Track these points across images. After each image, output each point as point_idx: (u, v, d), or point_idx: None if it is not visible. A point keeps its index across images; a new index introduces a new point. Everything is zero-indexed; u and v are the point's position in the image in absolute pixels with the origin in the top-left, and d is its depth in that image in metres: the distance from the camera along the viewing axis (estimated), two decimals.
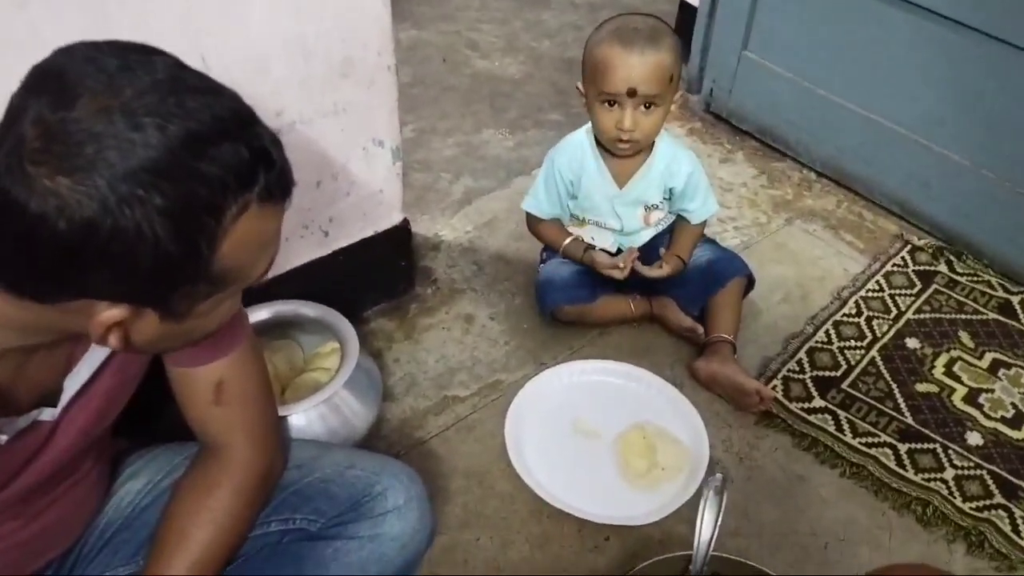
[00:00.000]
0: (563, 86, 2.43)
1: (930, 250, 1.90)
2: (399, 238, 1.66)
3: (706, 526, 1.21)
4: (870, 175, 2.02)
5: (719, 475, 1.23)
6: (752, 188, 2.09)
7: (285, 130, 1.36)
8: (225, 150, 0.68)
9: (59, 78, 0.67)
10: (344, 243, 1.58)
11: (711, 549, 1.19)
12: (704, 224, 1.69)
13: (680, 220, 1.69)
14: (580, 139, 1.62)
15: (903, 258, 1.89)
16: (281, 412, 1.33)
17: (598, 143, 1.59)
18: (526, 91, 2.41)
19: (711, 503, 1.22)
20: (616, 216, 1.64)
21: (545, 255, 1.74)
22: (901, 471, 1.48)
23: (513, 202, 2.02)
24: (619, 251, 1.69)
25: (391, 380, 1.59)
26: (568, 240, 1.65)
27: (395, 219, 1.64)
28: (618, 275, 1.59)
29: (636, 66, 1.45)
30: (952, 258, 1.88)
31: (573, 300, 1.65)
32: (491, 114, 2.31)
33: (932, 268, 1.86)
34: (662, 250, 1.69)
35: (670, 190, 1.62)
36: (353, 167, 1.49)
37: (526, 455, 1.47)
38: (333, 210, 1.52)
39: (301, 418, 1.34)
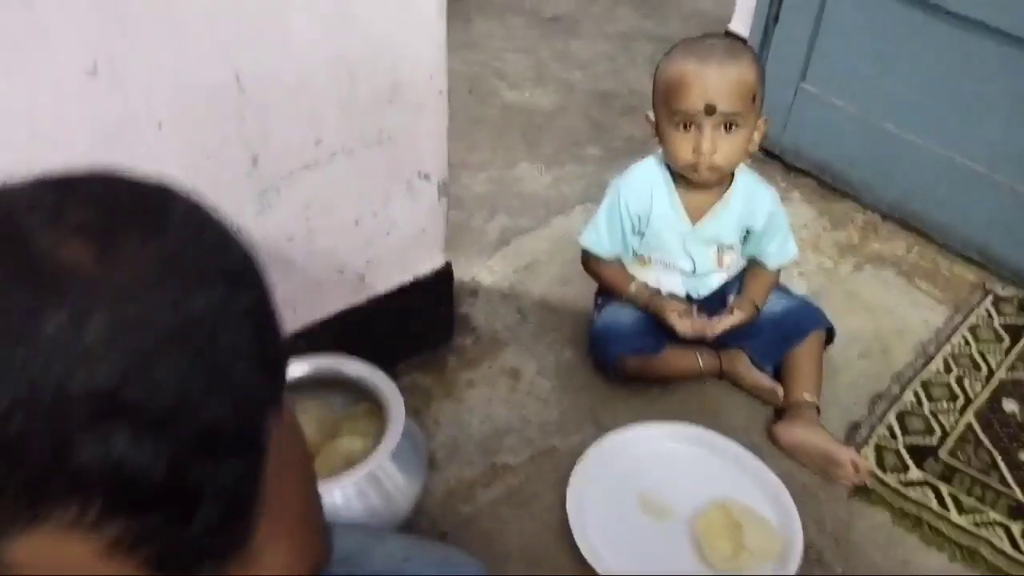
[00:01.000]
0: (599, 119, 2.27)
1: (1016, 301, 1.73)
2: (440, 283, 1.48)
3: None
4: (944, 218, 1.85)
5: (839, 572, 1.04)
6: (814, 231, 1.92)
7: (324, 161, 1.18)
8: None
9: None
10: (381, 289, 1.39)
11: None
12: (780, 271, 1.52)
13: (753, 264, 1.52)
14: (650, 167, 1.46)
15: (987, 310, 1.72)
16: None
17: (670, 171, 1.43)
18: (560, 124, 2.25)
19: None
20: (687, 256, 1.47)
21: (600, 300, 1.56)
22: (1018, 555, 1.29)
23: (555, 243, 1.84)
24: (688, 297, 1.52)
25: (432, 445, 1.40)
26: (633, 284, 1.47)
27: (437, 262, 1.46)
28: (687, 330, 1.42)
29: (714, 80, 1.30)
30: None
31: (638, 350, 1.47)
32: (524, 148, 2.14)
33: (1020, 322, 1.69)
34: (731, 297, 1.52)
35: (747, 230, 1.45)
36: (395, 203, 1.31)
37: (591, 535, 1.27)
38: (371, 252, 1.34)
39: (337, 495, 1.15)
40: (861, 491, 1.37)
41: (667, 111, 1.36)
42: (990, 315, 1.71)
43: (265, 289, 0.51)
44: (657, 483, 1.36)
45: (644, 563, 1.25)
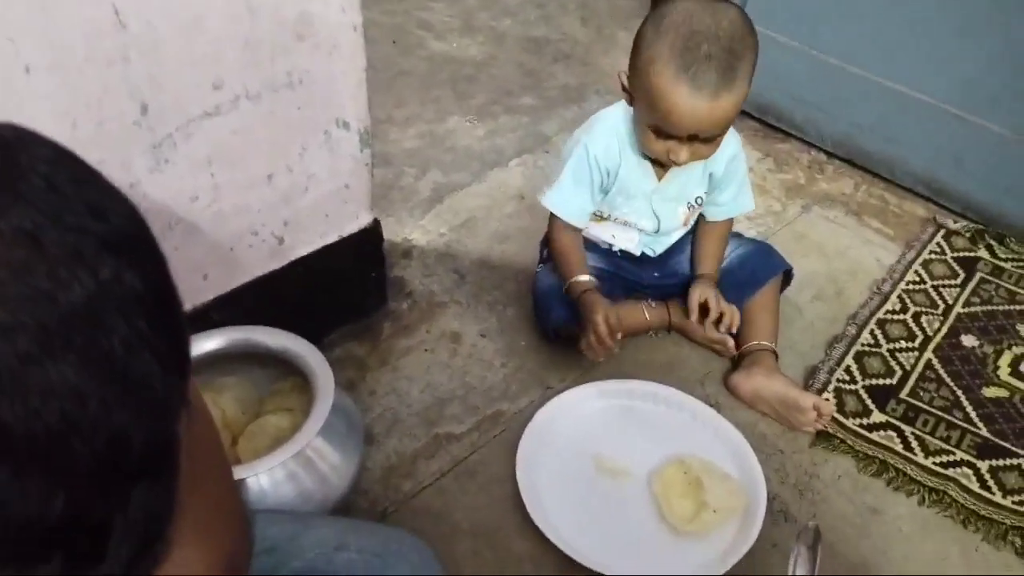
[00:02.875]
0: (531, 68, 2.16)
1: (967, 234, 1.69)
2: (369, 243, 1.37)
3: None
4: (892, 153, 1.79)
5: (811, 524, 0.97)
6: (759, 173, 1.85)
7: (226, 107, 1.05)
8: None
9: None
10: (303, 251, 1.27)
11: None
12: (731, 223, 1.44)
13: (702, 223, 1.43)
14: (616, 121, 1.31)
15: (939, 244, 1.67)
16: (237, 473, 1.02)
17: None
18: (491, 74, 2.13)
19: (803, 561, 0.96)
20: (653, 215, 1.37)
21: (545, 253, 1.46)
22: (987, 494, 1.24)
23: (491, 198, 1.74)
24: (643, 255, 1.43)
25: (369, 419, 1.29)
26: (576, 279, 1.33)
27: (363, 220, 1.34)
28: (593, 356, 1.29)
29: (706, 116, 1.16)
30: (992, 242, 1.67)
31: (580, 317, 1.37)
32: (454, 100, 2.02)
33: (972, 254, 1.65)
34: (683, 258, 1.43)
35: (710, 176, 1.37)
36: (313, 155, 1.19)
37: (545, 504, 1.19)
38: (288, 211, 1.21)
39: (264, 479, 1.04)
40: (823, 438, 1.31)
41: (644, 110, 1.21)
42: (942, 249, 1.65)
43: (159, 262, 0.40)
44: (611, 443, 1.28)
45: (602, 529, 1.17)
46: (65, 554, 0.35)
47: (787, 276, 1.45)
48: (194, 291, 1.17)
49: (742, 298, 1.40)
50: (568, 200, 1.34)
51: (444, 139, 1.90)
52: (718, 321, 1.33)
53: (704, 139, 1.21)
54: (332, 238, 1.30)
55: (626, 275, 1.44)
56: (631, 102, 1.26)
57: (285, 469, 1.05)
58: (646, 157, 1.31)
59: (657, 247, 1.44)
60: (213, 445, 0.76)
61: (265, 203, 1.17)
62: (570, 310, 1.36)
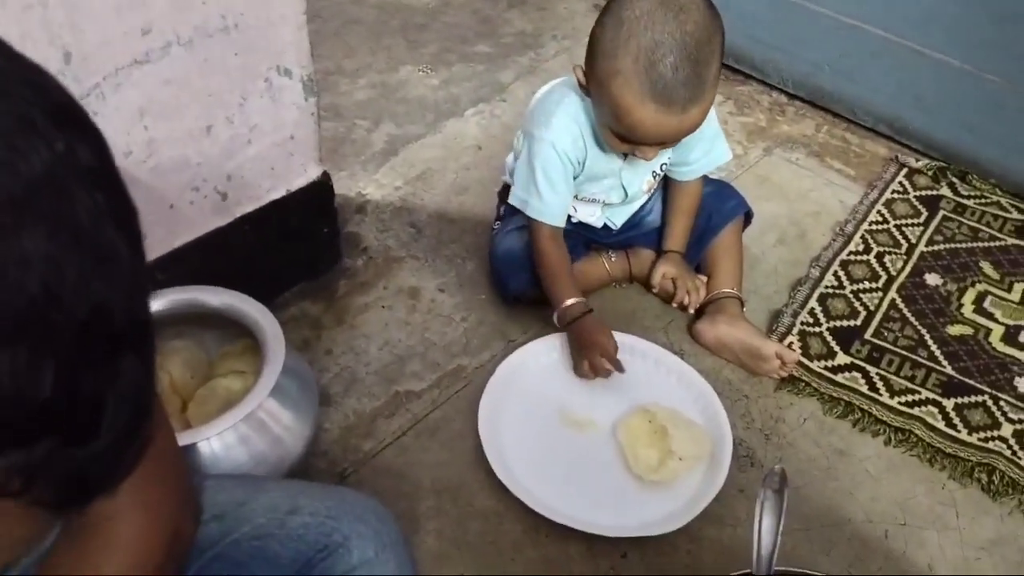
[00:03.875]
0: (486, 14, 2.09)
1: (929, 172, 1.67)
2: (319, 197, 1.31)
3: (766, 534, 0.93)
4: (852, 92, 1.77)
5: (777, 468, 0.95)
6: (720, 117, 1.77)
7: (157, 54, 0.99)
8: None
9: None
10: (249, 207, 1.22)
11: (775, 563, 0.92)
12: (701, 185, 1.39)
13: (675, 185, 1.38)
14: (575, 113, 1.24)
15: (901, 183, 1.65)
16: (186, 439, 0.98)
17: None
18: (444, 21, 2.06)
19: (770, 505, 0.94)
20: (621, 188, 1.33)
21: (503, 210, 1.42)
22: (952, 432, 1.24)
23: (447, 149, 1.69)
24: (605, 227, 1.39)
25: (325, 379, 1.26)
26: (569, 302, 1.25)
27: (312, 173, 1.28)
28: (593, 377, 1.25)
29: (673, 128, 1.12)
30: (955, 180, 1.65)
31: (539, 282, 1.32)
32: (407, 49, 1.96)
33: (935, 192, 1.63)
34: (647, 218, 1.41)
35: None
36: (254, 105, 1.13)
37: (508, 459, 1.16)
38: (231, 165, 1.16)
39: (216, 443, 0.99)
40: (788, 382, 1.29)
41: (608, 117, 1.15)
42: (905, 189, 1.64)
43: (101, 139, 0.41)
44: (575, 395, 1.25)
45: (567, 482, 1.15)
46: (62, 430, 0.36)
47: (747, 217, 1.42)
48: None
49: (702, 246, 1.37)
50: (549, 203, 1.26)
51: (397, 89, 1.84)
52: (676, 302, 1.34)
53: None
54: (279, 193, 1.25)
55: (585, 232, 1.40)
56: (587, 94, 1.20)
57: (236, 433, 1.01)
58: None
59: (618, 219, 1.40)
60: (155, 418, 0.72)
61: (205, 157, 1.12)
62: (529, 274, 1.32)
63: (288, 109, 1.18)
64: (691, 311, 1.35)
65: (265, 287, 1.31)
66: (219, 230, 1.19)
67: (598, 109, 1.18)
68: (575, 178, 1.29)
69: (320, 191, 1.31)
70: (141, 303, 0.40)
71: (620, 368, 1.23)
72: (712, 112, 1.30)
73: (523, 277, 1.33)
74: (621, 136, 1.16)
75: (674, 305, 1.35)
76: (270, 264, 1.30)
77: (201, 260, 1.18)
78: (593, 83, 1.15)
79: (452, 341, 1.33)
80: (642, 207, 1.42)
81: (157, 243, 1.13)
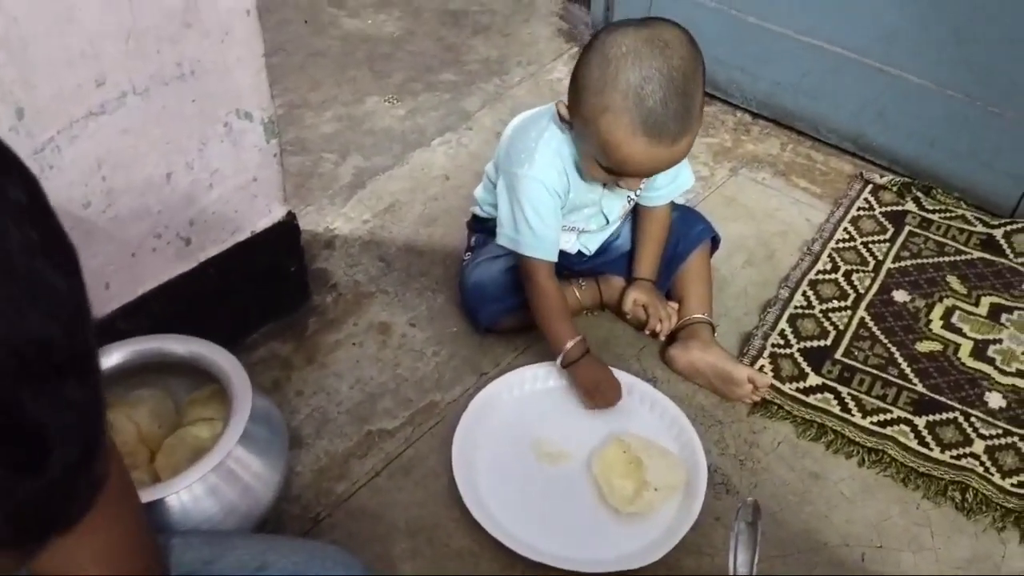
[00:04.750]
0: (450, 42, 2.10)
1: (894, 187, 1.68)
2: (285, 237, 1.31)
3: (741, 568, 0.93)
4: (816, 110, 1.78)
5: (749, 500, 0.95)
6: None
7: (112, 105, 0.98)
8: None
9: None
10: (213, 251, 1.21)
11: None
12: (670, 212, 1.39)
13: (643, 211, 1.38)
14: (558, 148, 1.23)
15: (866, 200, 1.66)
16: (154, 493, 0.97)
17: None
18: (409, 50, 2.06)
19: (744, 538, 0.94)
20: (602, 215, 1.33)
21: (474, 241, 1.42)
22: (925, 450, 1.24)
23: (415, 181, 1.68)
24: (579, 253, 1.39)
25: (297, 420, 1.24)
26: (570, 344, 1.24)
27: (277, 214, 1.28)
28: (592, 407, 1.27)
29: (664, 160, 1.13)
30: (920, 194, 1.67)
31: (512, 309, 1.33)
32: (372, 79, 1.96)
33: (900, 208, 1.65)
34: (617, 242, 1.41)
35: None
36: (214, 150, 1.12)
37: (484, 496, 1.15)
38: (193, 210, 1.15)
39: (184, 496, 0.98)
40: (761, 406, 1.30)
41: (596, 151, 1.15)
42: (870, 205, 1.65)
43: (34, 181, 0.41)
44: (550, 427, 1.25)
45: (543, 518, 1.14)
46: (5, 460, 0.35)
47: (714, 241, 1.43)
48: (96, 302, 1.09)
49: (671, 273, 1.38)
50: (543, 238, 1.24)
51: (363, 121, 1.83)
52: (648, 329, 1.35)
53: None
54: (244, 235, 1.24)
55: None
56: (570, 128, 1.20)
57: (205, 484, 1.00)
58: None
59: (592, 244, 1.40)
60: (118, 484, 0.71)
61: (166, 204, 1.11)
62: (501, 305, 1.32)
63: (249, 152, 1.17)
64: (662, 338, 1.35)
65: (233, 329, 1.31)
66: (183, 275, 1.18)
67: (583, 143, 1.18)
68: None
69: (285, 230, 1.30)
70: (83, 335, 0.40)
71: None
72: None
73: (494, 308, 1.33)
74: (608, 169, 1.16)
75: (646, 332, 1.36)
76: (237, 306, 1.29)
77: (166, 306, 1.17)
78: (579, 119, 1.15)
79: (424, 376, 1.33)
80: (611, 239, 1.42)
81: (120, 292, 1.12)
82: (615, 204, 1.33)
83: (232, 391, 1.04)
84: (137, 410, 1.11)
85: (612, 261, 1.42)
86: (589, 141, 1.16)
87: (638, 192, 1.34)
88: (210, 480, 1.00)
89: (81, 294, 0.41)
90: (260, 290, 1.32)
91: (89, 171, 1.00)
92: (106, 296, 1.11)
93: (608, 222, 1.36)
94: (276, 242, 1.29)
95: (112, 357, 1.07)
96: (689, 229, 1.41)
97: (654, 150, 1.10)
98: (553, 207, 1.24)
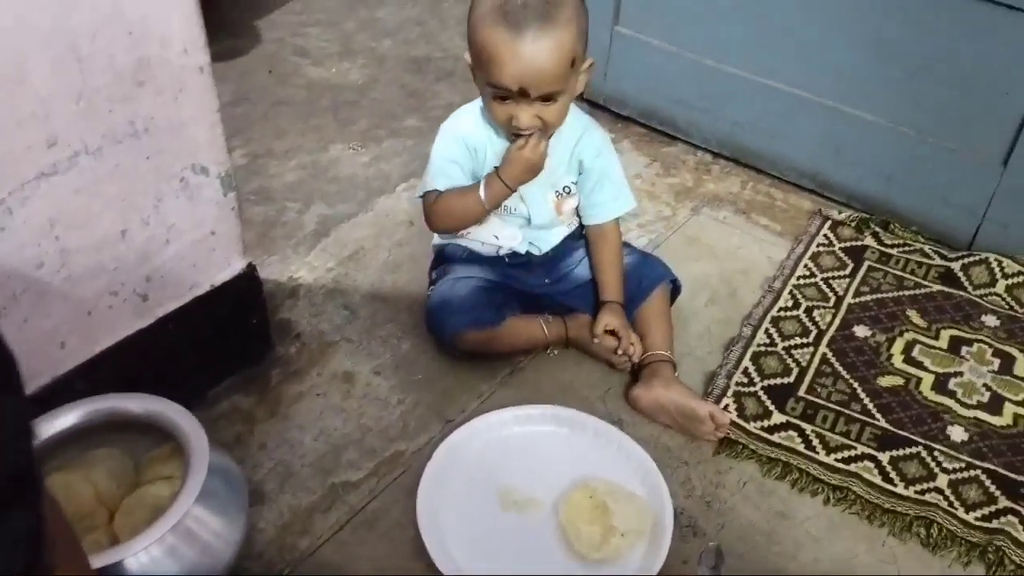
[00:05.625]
0: (414, 88, 2.12)
1: (852, 223, 1.71)
2: (245, 290, 1.30)
3: None
4: (774, 149, 1.81)
5: (712, 545, 0.95)
6: (647, 179, 1.84)
7: (64, 165, 0.98)
8: None
9: None
10: (171, 307, 1.20)
11: None
12: (619, 231, 1.42)
13: (592, 232, 1.41)
14: (476, 113, 1.33)
15: (826, 236, 1.69)
16: (112, 556, 0.95)
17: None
18: (372, 98, 2.08)
19: None
20: (521, 200, 1.35)
21: (435, 275, 1.42)
22: (889, 486, 1.25)
23: (379, 227, 1.69)
24: (530, 256, 1.41)
25: (259, 475, 1.23)
26: (482, 188, 1.30)
27: (236, 267, 1.27)
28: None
29: (527, 59, 1.17)
30: (878, 229, 1.69)
31: (478, 323, 1.34)
32: (336, 128, 1.97)
33: (859, 243, 1.67)
34: (574, 259, 1.43)
35: (580, 164, 1.36)
36: (170, 205, 1.12)
37: (450, 547, 1.14)
38: (149, 266, 1.14)
39: (143, 557, 0.96)
40: (726, 445, 1.30)
41: (480, 74, 1.24)
42: (830, 241, 1.67)
43: None
44: (515, 474, 1.24)
45: (512, 567, 1.13)
46: None
47: (676, 288, 1.45)
48: (52, 362, 1.09)
49: (632, 309, 1.39)
50: (445, 172, 1.32)
51: (327, 169, 1.84)
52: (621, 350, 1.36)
53: (542, 99, 1.22)
54: (203, 289, 1.23)
55: (517, 284, 1.42)
56: (472, 72, 1.28)
57: (163, 544, 0.98)
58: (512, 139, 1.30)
59: (541, 244, 1.41)
60: (66, 553, 0.70)
61: (122, 261, 1.10)
62: (467, 316, 1.34)
63: (207, 206, 1.17)
64: (635, 360, 1.36)
65: (195, 384, 1.30)
66: (141, 332, 1.17)
67: (476, 78, 1.26)
68: (476, 176, 1.33)
69: (246, 283, 1.29)
70: (23, 455, 0.39)
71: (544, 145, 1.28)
72: (613, 153, 1.39)
73: (460, 318, 1.35)
74: (495, 94, 1.22)
75: (619, 353, 1.36)
76: (198, 361, 1.28)
77: (124, 363, 1.16)
78: (471, 53, 1.24)
79: (389, 425, 1.32)
80: (568, 258, 1.44)
81: (76, 351, 1.11)
82: (537, 192, 1.35)
83: (189, 449, 1.03)
84: (94, 470, 1.10)
85: (572, 291, 1.44)
86: (476, 67, 1.24)
87: (566, 188, 1.38)
88: (168, 541, 0.98)
89: (22, 411, 0.40)
90: (221, 344, 1.31)
91: (41, 232, 1.00)
92: (62, 355, 1.09)
93: (530, 213, 1.37)
94: (236, 295, 1.28)
95: (68, 417, 1.06)
96: (650, 270, 1.43)
97: (520, 45, 1.16)
98: (463, 148, 1.32)
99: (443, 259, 1.44)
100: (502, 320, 1.37)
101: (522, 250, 1.40)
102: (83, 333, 1.11)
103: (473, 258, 1.42)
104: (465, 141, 1.31)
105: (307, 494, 1.21)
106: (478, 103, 1.33)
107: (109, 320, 1.13)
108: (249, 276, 1.30)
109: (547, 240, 1.42)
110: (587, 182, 1.38)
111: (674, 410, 1.30)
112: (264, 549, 1.15)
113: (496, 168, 1.30)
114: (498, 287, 1.39)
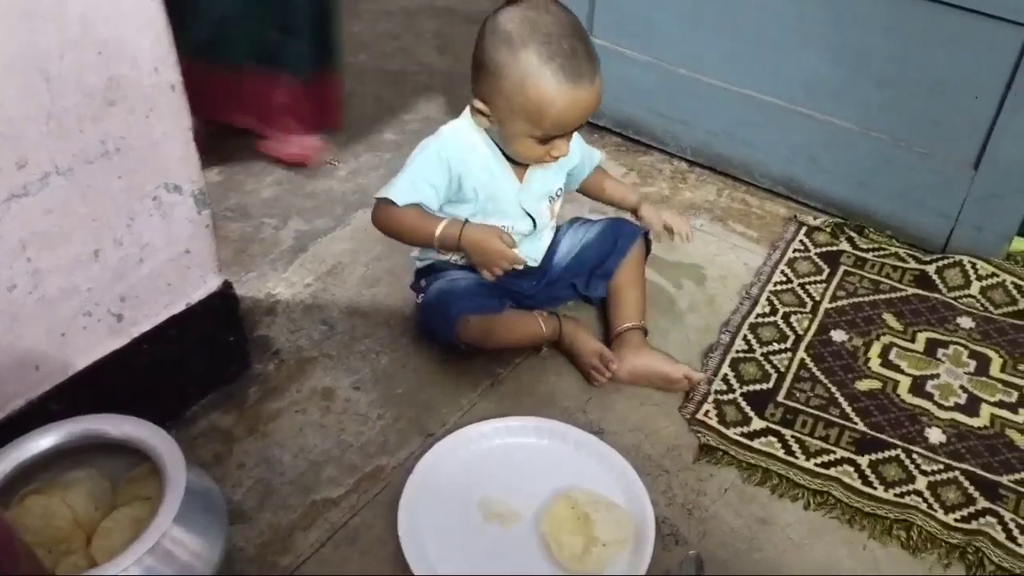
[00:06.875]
0: (391, 102, 2.12)
1: (828, 229, 1.72)
2: (221, 307, 1.29)
3: None
4: (749, 156, 1.82)
5: (691, 554, 0.96)
6: None
7: (35, 187, 0.97)
8: None
9: None
10: (146, 326, 1.19)
11: None
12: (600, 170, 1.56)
13: (588, 181, 1.53)
14: (470, 138, 1.34)
15: (802, 242, 1.70)
16: None
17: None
18: (349, 112, 2.07)
19: None
20: (525, 215, 1.39)
21: (425, 282, 1.43)
22: (869, 490, 1.25)
23: (358, 242, 1.68)
24: (526, 266, 1.42)
25: (239, 494, 1.22)
26: (442, 225, 1.31)
27: (212, 284, 1.27)
28: (502, 269, 1.33)
29: (587, 105, 1.25)
30: (853, 234, 1.71)
31: (481, 309, 1.36)
32: None
33: (834, 248, 1.68)
34: (558, 250, 1.49)
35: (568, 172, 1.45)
36: (143, 224, 1.12)
37: (432, 561, 1.14)
38: (123, 286, 1.14)
39: None
40: (707, 452, 1.30)
41: (525, 126, 1.25)
42: (805, 247, 1.69)
43: None
44: (497, 486, 1.24)
45: None
46: None
47: (648, 243, 1.51)
48: (27, 384, 1.08)
49: (612, 268, 1.45)
50: (419, 190, 1.30)
51: (304, 184, 1.84)
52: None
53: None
54: (178, 307, 1.23)
55: (508, 286, 1.43)
56: (491, 123, 1.29)
57: (141, 566, 0.97)
58: (509, 160, 1.34)
59: (535, 254, 1.45)
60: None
61: (95, 281, 1.09)
62: (471, 303, 1.35)
63: (180, 224, 1.16)
64: (689, 239, 1.51)
65: (172, 403, 1.29)
66: (117, 352, 1.16)
67: (510, 125, 1.27)
68: (450, 200, 1.34)
69: (222, 300, 1.29)
70: None
71: (520, 261, 1.33)
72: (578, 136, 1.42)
73: (464, 303, 1.36)
74: (541, 137, 1.25)
75: (686, 233, 1.50)
76: (175, 380, 1.27)
77: (100, 384, 1.15)
78: (499, 103, 1.25)
79: (369, 440, 1.31)
80: (552, 259, 1.48)
81: (50, 373, 1.10)
82: (537, 205, 1.39)
83: (166, 470, 1.02)
84: (71, 492, 1.09)
85: (556, 283, 1.48)
86: (515, 118, 1.25)
87: (559, 192, 1.43)
88: (146, 562, 0.97)
89: None
90: (198, 362, 1.30)
91: (13, 254, 0.99)
92: (36, 378, 1.09)
93: (535, 223, 1.40)
94: (212, 313, 1.28)
95: (44, 440, 1.05)
96: (622, 228, 1.50)
97: (580, 94, 1.21)
98: (440, 178, 1.30)
99: (431, 271, 1.44)
100: (502, 308, 1.40)
101: (528, 264, 1.44)
102: (57, 355, 1.10)
103: (466, 266, 1.42)
104: (450, 166, 1.31)
105: (287, 512, 1.21)
106: (468, 126, 1.33)
107: (84, 341, 1.12)
108: (225, 294, 1.29)
109: (539, 248, 1.46)
110: (567, 165, 1.44)
111: (651, 374, 1.38)
112: (244, 569, 1.14)
113: (466, 222, 1.31)
114: (494, 286, 1.40)
